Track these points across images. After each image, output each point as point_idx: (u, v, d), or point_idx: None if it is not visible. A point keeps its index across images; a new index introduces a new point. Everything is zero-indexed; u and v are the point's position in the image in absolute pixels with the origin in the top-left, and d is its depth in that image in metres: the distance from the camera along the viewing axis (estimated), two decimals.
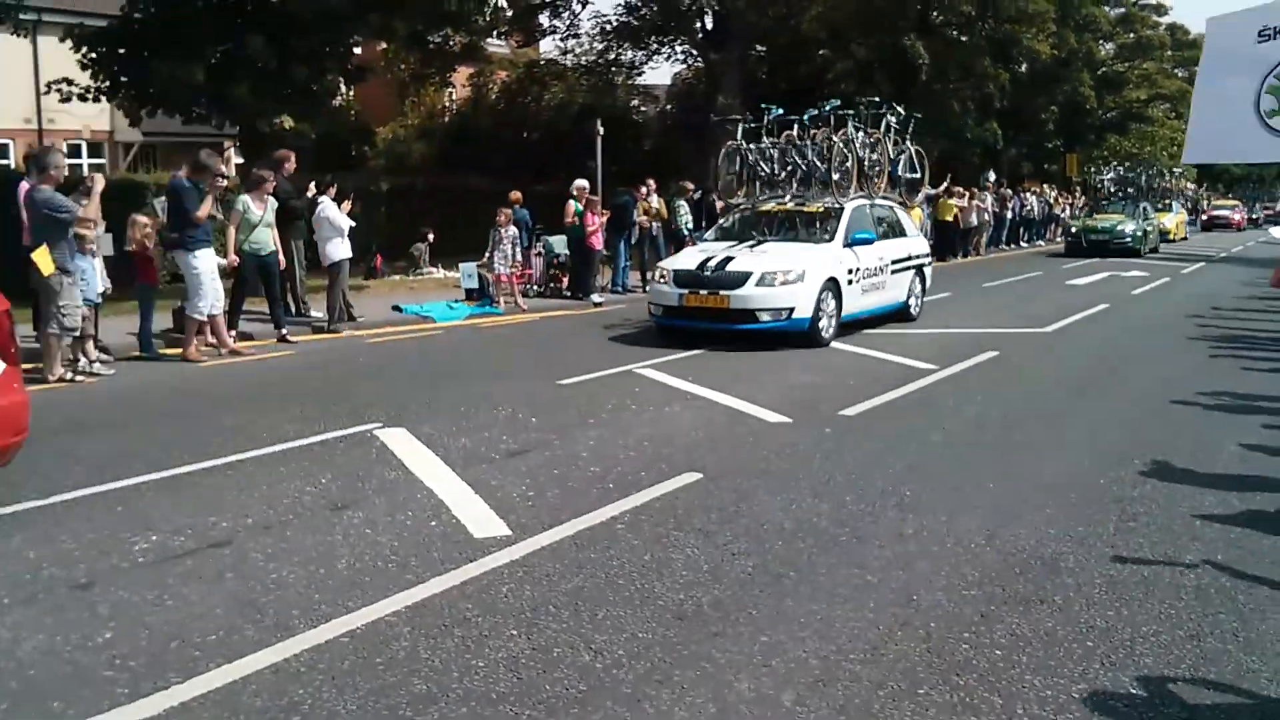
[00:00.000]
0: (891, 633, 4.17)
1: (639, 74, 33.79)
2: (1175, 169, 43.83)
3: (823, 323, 11.96)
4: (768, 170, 14.74)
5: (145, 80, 16.88)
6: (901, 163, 15.91)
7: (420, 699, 3.64)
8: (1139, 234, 29.24)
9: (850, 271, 12.59)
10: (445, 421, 7.96)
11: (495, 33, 27.21)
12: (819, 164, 14.34)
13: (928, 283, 15.21)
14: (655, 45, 31.20)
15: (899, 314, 14.15)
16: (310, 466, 6.68)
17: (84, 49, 17.20)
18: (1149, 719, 3.50)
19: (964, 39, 34.17)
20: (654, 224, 18.53)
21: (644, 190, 18.62)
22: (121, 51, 17.17)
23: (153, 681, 3.74)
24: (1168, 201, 38.81)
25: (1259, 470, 6.59)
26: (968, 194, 28.47)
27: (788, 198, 14.12)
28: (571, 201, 17.05)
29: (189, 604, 4.45)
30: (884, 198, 14.93)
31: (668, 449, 7.12)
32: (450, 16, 18.58)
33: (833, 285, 12.16)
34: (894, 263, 13.85)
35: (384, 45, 24.03)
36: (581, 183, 17.69)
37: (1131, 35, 46.88)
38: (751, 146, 14.88)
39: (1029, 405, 8.73)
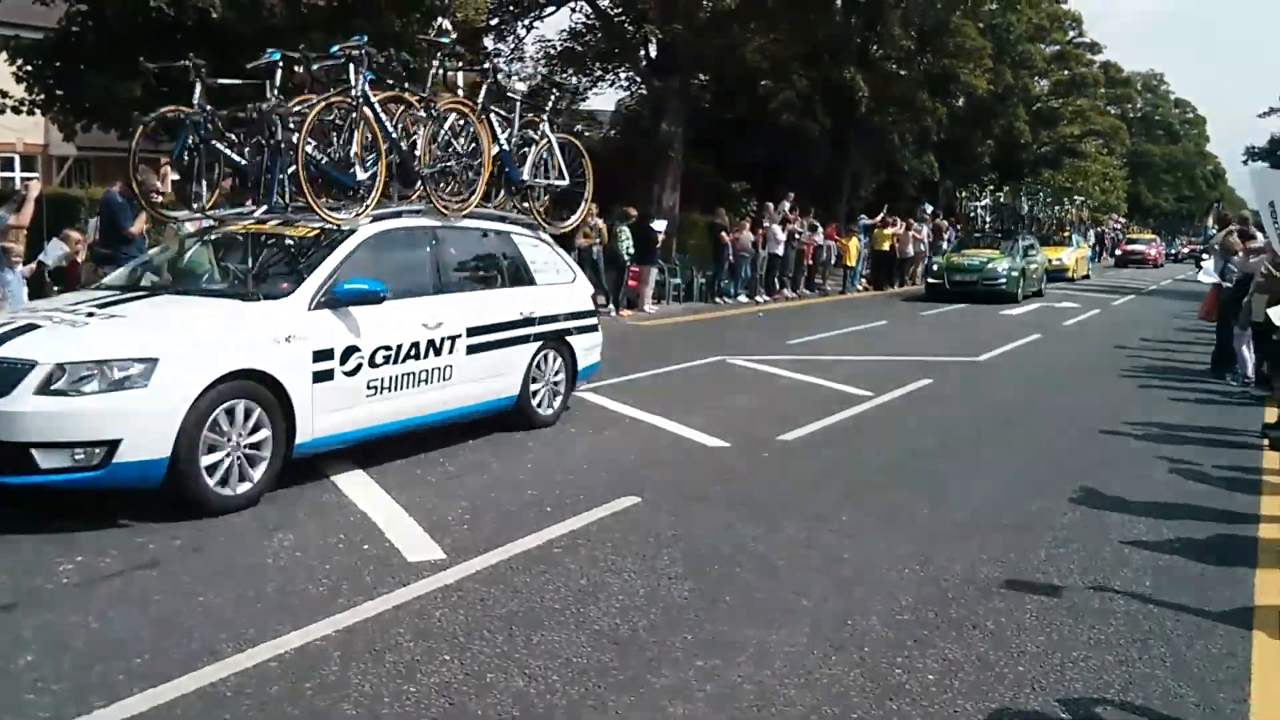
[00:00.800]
0: (826, 657, 4.18)
1: (583, 99, 33.86)
2: (1077, 196, 42.75)
3: (209, 471, 5.91)
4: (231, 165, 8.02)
5: (82, 94, 16.53)
6: (532, 160, 9.16)
7: None
8: (1014, 274, 24.13)
9: (325, 355, 6.62)
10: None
11: (438, 54, 27.10)
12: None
13: (578, 363, 9.09)
14: (599, 71, 31.30)
15: (506, 414, 8.36)
16: None
17: (19, 61, 16.82)
18: None
19: (903, 73, 34.73)
20: (594, 246, 18.54)
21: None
22: (58, 64, 16.83)
23: (76, 706, 3.64)
24: (1066, 234, 36.04)
25: (1186, 499, 6.74)
26: (904, 224, 28.90)
27: (259, 211, 7.60)
28: None
29: (115, 627, 4.33)
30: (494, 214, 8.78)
31: (606, 472, 7.11)
32: (394, 38, 18.45)
33: (259, 388, 6.22)
34: (480, 332, 7.92)
35: None
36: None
37: (1066, 72, 48.07)
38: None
39: (962, 433, 8.84)
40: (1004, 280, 23.86)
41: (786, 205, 24.24)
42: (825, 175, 36.19)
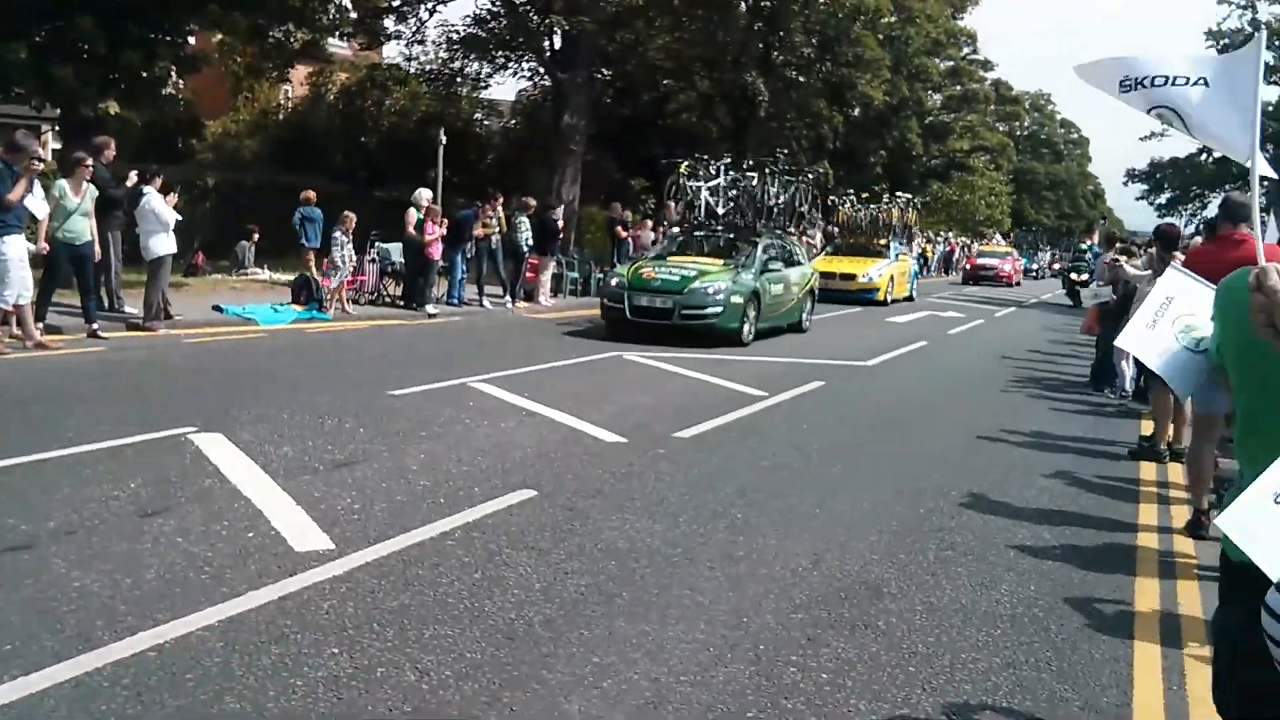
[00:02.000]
0: (722, 655, 4.18)
1: (484, 87, 33.52)
2: (901, 196, 33.65)
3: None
4: None
5: None
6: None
7: (234, 718, 3.43)
8: (735, 300, 14.86)
9: None
10: (266, 428, 7.62)
11: (338, 33, 26.49)
12: None
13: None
14: (502, 59, 30.99)
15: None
16: (119, 470, 6.28)
17: None
18: None
19: (803, 80, 35.29)
20: (493, 238, 18.35)
21: (488, 208, 18.41)
22: None
23: None
24: (881, 242, 28.47)
25: (1068, 506, 6.95)
26: (799, 229, 29.27)
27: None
28: (412, 210, 16.73)
29: None
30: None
31: (502, 465, 7.01)
32: (294, 12, 18.01)
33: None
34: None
35: (220, 36, 23.11)
36: (426, 192, 17.42)
37: (959, 88, 49.49)
38: None
39: (853, 434, 8.99)
40: (717, 310, 14.53)
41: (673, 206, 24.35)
42: None
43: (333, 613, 4.36)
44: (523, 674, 3.90)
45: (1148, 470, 8.23)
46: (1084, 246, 30.46)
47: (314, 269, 15.65)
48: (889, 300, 25.13)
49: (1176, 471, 8.10)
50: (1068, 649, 4.48)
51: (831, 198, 31.37)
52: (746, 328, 15.10)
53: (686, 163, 19.24)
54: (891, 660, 4.23)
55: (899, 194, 32.54)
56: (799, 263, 18.08)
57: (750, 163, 19.78)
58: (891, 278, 25.80)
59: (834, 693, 3.91)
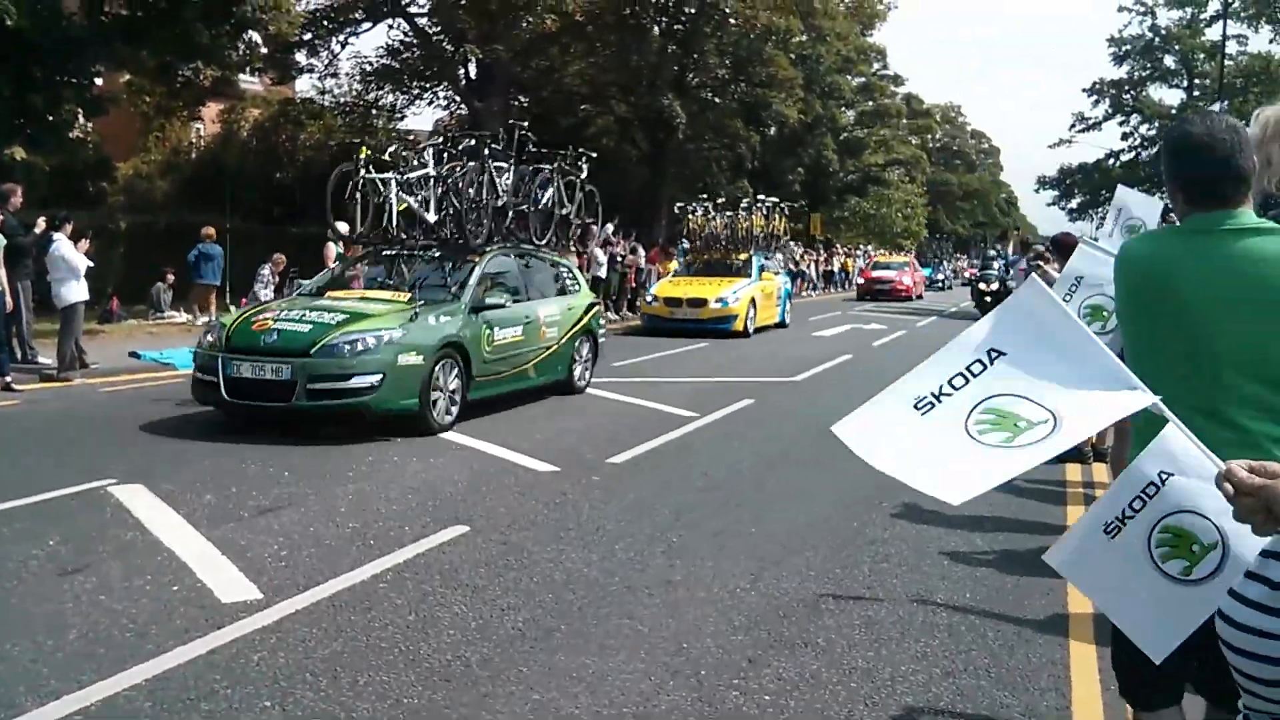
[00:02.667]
0: (663, 683, 4.15)
1: (400, 117, 33.35)
2: (765, 200, 25.84)
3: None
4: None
5: None
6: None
7: None
8: (397, 361, 9.08)
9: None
10: (188, 477, 7.42)
11: (249, 69, 26.17)
12: None
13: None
14: (418, 89, 30.88)
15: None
16: (37, 527, 6.06)
17: None
18: None
19: (718, 100, 35.66)
20: None
21: None
22: None
23: None
24: (743, 257, 22.63)
25: (999, 511, 7.03)
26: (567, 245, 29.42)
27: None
28: (331, 244, 16.50)
29: None
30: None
31: (432, 501, 6.91)
32: (201, 49, 17.74)
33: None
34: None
35: (128, 77, 22.69)
36: (343, 225, 17.18)
37: (871, 103, 50.37)
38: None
39: (784, 451, 9.03)
40: (370, 379, 8.95)
41: (610, 228, 24.41)
42: (643, 199, 36.69)
43: (263, 664, 4.24)
44: (461, 716, 3.82)
45: (1073, 472, 8.38)
46: (992, 253, 29.27)
47: (214, 306, 15.40)
48: (750, 330, 20.33)
49: (1101, 471, 8.26)
50: (1005, 654, 4.53)
51: (680, 204, 25.87)
52: (437, 404, 9.42)
53: (367, 150, 11.75)
54: (832, 677, 4.23)
55: (761, 198, 26.29)
56: (569, 290, 12.56)
57: (470, 144, 12.24)
58: (753, 301, 20.78)
59: (777, 714, 3.90)
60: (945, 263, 62.39)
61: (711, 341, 18.99)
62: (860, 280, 41.06)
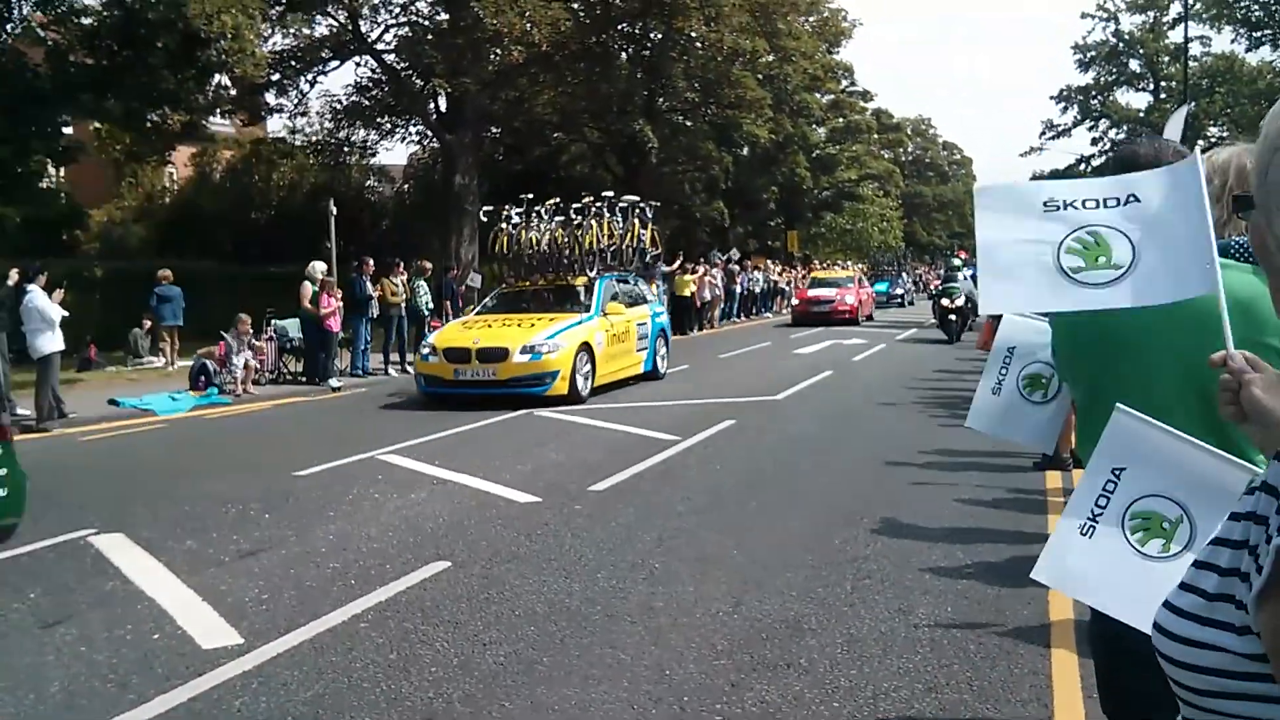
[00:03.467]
0: (646, 710, 4.14)
1: (373, 154, 33.40)
2: (623, 200, 17.87)
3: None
4: None
5: None
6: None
7: None
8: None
9: None
10: (168, 524, 7.39)
11: (218, 111, 26.18)
12: None
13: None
14: (389, 125, 30.96)
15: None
16: (17, 580, 6.05)
17: None
18: None
19: (689, 124, 35.86)
20: (400, 305, 18.11)
21: (370, 266, 18.16)
22: None
23: None
24: (580, 282, 16.26)
25: (979, 523, 7.07)
26: (701, 270, 29.61)
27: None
28: (307, 284, 16.49)
29: None
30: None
31: (414, 538, 6.89)
32: (168, 95, 17.76)
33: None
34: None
35: (96, 125, 22.67)
36: (319, 265, 17.20)
37: (841, 120, 50.71)
38: None
39: (765, 471, 9.05)
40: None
41: None
42: None
43: (245, 710, 4.22)
44: None
45: (1053, 479, 8.41)
46: (958, 262, 25.18)
47: (174, 347, 15.62)
48: (583, 391, 14.18)
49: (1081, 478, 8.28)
50: (987, 667, 4.54)
51: (486, 209, 18.61)
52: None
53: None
54: (815, 697, 4.24)
55: (608, 196, 18.29)
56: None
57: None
58: (586, 349, 14.46)
59: None
60: (904, 274, 55.16)
61: (691, 364, 19.00)
62: (795, 301, 33.59)
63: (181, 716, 4.16)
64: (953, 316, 23.19)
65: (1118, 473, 2.07)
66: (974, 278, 20.19)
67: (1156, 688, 2.37)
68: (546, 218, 17.03)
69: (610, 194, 18.53)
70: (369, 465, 9.48)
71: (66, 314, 12.83)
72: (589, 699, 4.26)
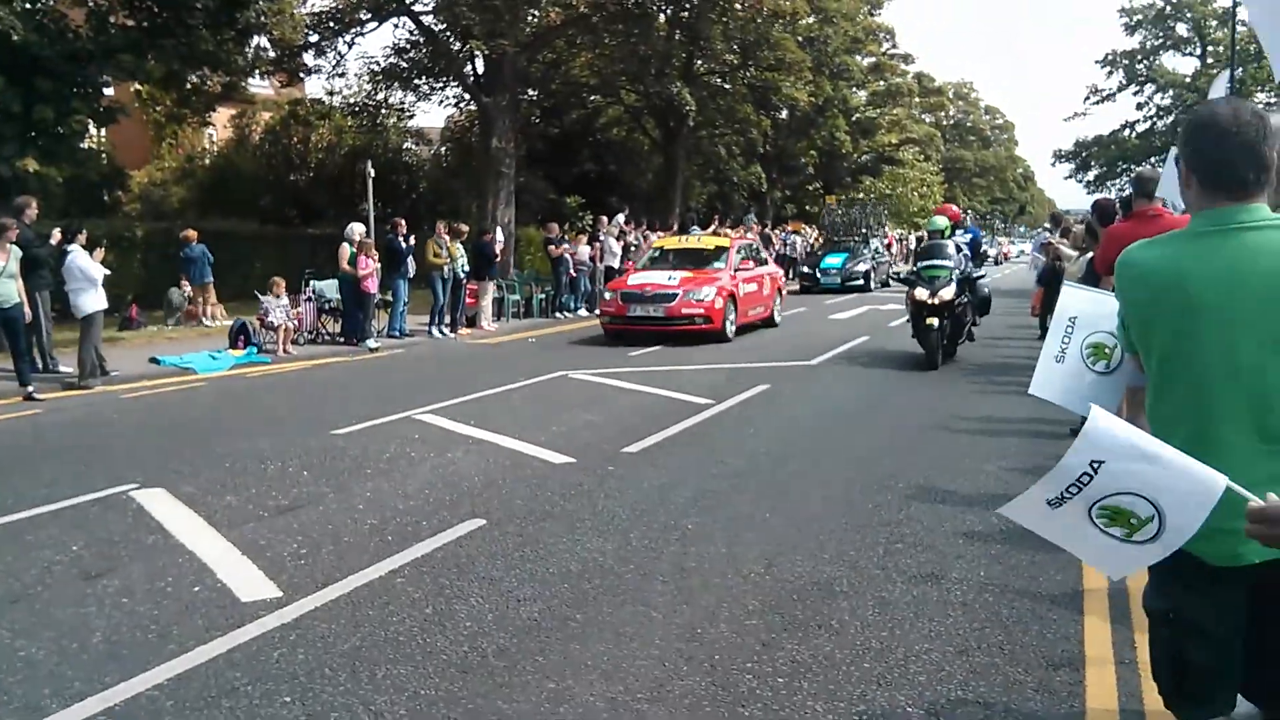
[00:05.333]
0: (677, 668, 4.18)
1: (410, 116, 33.39)
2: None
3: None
4: None
5: None
6: None
7: None
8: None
9: None
10: (208, 479, 7.51)
11: (257, 73, 26.26)
12: None
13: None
14: (426, 88, 30.91)
15: None
16: (60, 533, 6.17)
17: None
18: None
19: (727, 86, 35.53)
20: (444, 268, 18.15)
21: (402, 225, 18.24)
22: None
23: None
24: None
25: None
26: (736, 233, 29.45)
27: None
28: (345, 245, 16.59)
29: None
30: None
31: (449, 496, 6.96)
32: (207, 56, 17.82)
33: None
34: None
35: (137, 86, 22.83)
36: (358, 227, 17.30)
37: (882, 83, 50.02)
38: None
39: (799, 436, 9.04)
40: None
41: (621, 218, 24.46)
42: (656, 187, 36.71)
43: (283, 661, 4.30)
44: (478, 707, 3.87)
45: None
46: (943, 223, 14.75)
47: (207, 304, 15.78)
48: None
49: None
50: (1019, 631, 4.54)
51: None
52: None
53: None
54: (846, 658, 4.26)
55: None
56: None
57: None
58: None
59: (790, 695, 3.93)
60: (869, 238, 35.07)
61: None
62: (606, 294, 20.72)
63: (221, 667, 4.24)
64: (936, 321, 13.12)
65: (1096, 466, 2.11)
66: (974, 251, 16.19)
67: (1220, 665, 2.36)
68: None
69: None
70: (406, 424, 9.57)
71: (109, 272, 12.99)
72: (620, 655, 4.30)
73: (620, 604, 4.92)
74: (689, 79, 32.03)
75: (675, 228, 31.06)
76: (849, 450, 8.44)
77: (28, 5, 15.23)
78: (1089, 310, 2.97)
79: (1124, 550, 2.20)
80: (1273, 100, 43.17)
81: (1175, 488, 2.08)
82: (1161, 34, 52.34)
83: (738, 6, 30.42)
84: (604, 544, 5.86)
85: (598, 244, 22.87)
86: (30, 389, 11.46)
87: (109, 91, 19.30)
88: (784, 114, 41.36)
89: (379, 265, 16.89)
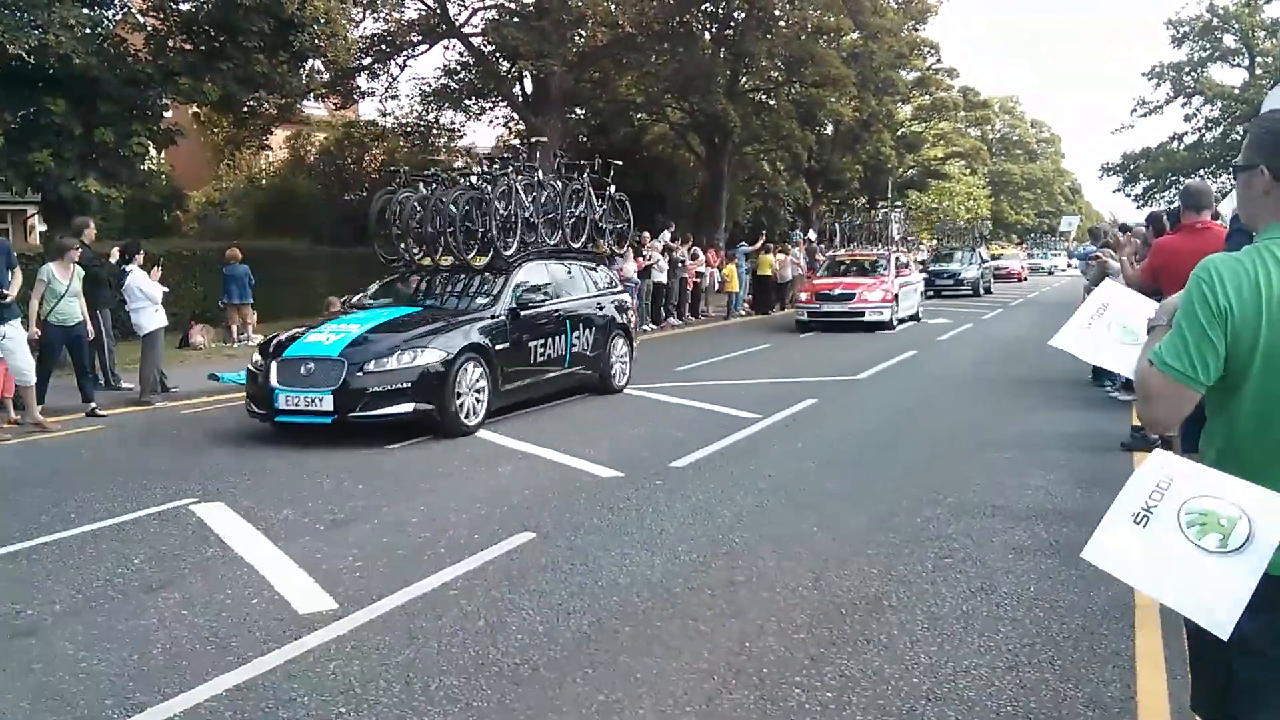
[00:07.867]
0: (726, 682, 4.22)
1: (461, 135, 33.80)
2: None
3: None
4: None
5: None
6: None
7: None
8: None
9: None
10: (266, 493, 7.67)
11: (311, 95, 26.73)
12: None
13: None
14: (477, 108, 31.30)
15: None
16: (122, 547, 6.33)
17: None
18: None
19: (772, 103, 35.56)
20: None
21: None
22: None
23: None
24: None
25: (1062, 504, 7.00)
26: (782, 249, 29.47)
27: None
28: None
29: None
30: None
31: (500, 510, 7.06)
32: (263, 79, 18.18)
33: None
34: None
35: (195, 110, 23.32)
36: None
37: (927, 97, 49.78)
38: None
39: (847, 450, 9.04)
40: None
41: (667, 234, 24.54)
42: (702, 203, 36.74)
43: (339, 673, 4.39)
44: (529, 717, 3.94)
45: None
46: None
47: (242, 324, 16.01)
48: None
49: None
50: (1069, 646, 4.53)
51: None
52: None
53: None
54: (895, 673, 4.27)
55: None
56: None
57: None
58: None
59: (839, 710, 3.95)
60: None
61: (773, 343, 19.05)
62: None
63: (279, 678, 4.34)
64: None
65: (1167, 480, 2.12)
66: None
67: (1264, 679, 2.31)
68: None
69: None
70: (458, 440, 9.68)
71: (167, 290, 13.27)
72: (669, 669, 4.35)
73: (669, 617, 4.97)
74: (733, 96, 32.10)
75: (722, 245, 31.10)
76: (897, 464, 8.42)
77: (89, 30, 15.59)
78: (1122, 303, 2.97)
79: (1223, 568, 2.05)
80: None
81: (1250, 490, 2.06)
82: (1209, 45, 51.57)
83: (782, 24, 30.50)
84: (652, 558, 5.91)
85: (643, 259, 22.95)
86: (93, 405, 11.73)
87: (168, 114, 19.72)
88: (829, 129, 41.31)
89: None
